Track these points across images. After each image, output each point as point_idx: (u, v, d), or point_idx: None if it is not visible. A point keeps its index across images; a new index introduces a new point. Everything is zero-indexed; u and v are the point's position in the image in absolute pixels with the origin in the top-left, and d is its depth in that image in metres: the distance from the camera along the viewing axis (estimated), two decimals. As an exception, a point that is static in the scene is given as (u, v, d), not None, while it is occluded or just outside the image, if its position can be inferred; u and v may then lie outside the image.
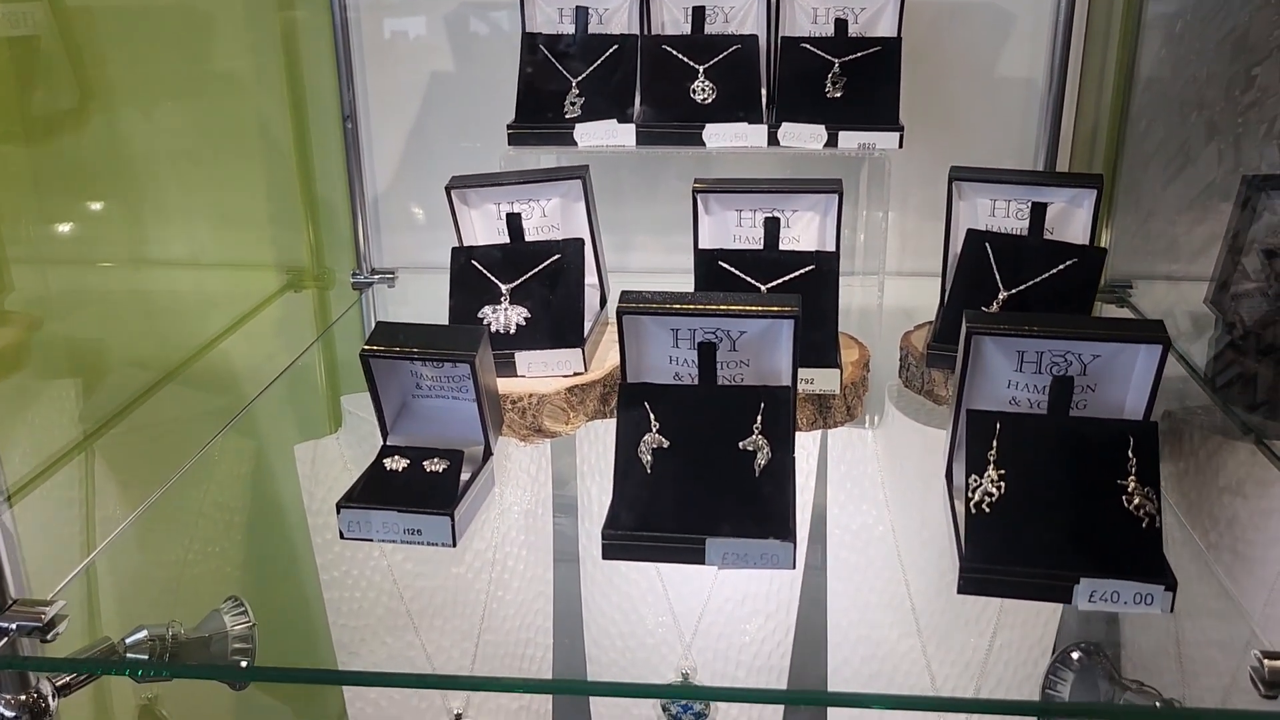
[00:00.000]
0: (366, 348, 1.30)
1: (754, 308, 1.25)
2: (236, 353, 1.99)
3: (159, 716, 1.63)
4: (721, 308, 1.25)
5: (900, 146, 1.78)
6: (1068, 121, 2.08)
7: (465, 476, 1.31)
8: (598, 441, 1.62)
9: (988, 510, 1.15)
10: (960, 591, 1.13)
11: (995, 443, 1.18)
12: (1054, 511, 1.14)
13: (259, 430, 1.83)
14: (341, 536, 1.26)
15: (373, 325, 1.50)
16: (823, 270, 1.47)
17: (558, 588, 1.65)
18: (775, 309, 1.24)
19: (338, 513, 1.25)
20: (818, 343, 1.45)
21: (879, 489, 1.58)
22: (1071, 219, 1.58)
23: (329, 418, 1.92)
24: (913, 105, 1.94)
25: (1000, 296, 1.52)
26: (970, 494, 1.16)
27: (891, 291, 1.96)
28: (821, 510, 1.59)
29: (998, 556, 1.13)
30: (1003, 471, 1.17)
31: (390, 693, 1.56)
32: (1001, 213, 1.61)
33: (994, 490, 1.16)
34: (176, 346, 1.90)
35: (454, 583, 1.59)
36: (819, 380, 1.44)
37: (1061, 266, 1.49)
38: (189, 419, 1.81)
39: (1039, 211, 1.55)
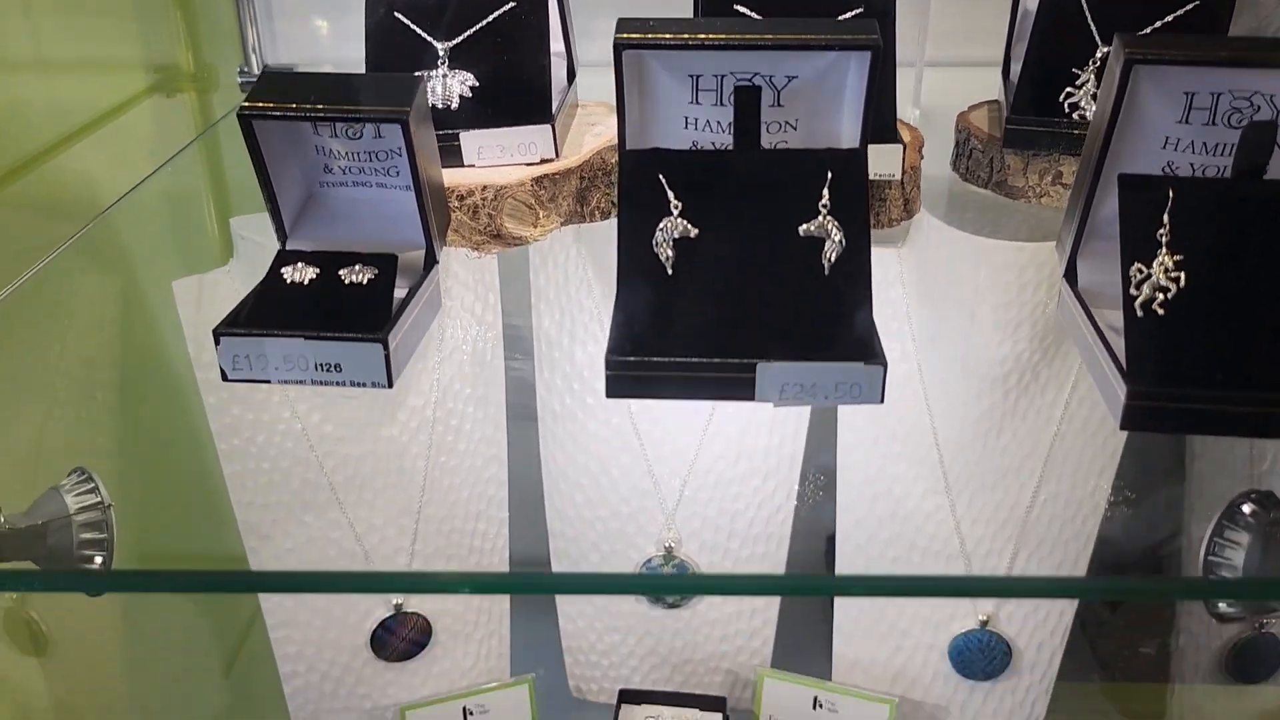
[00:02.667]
0: (247, 105, 0.89)
1: (815, 36, 0.86)
2: (92, 169, 1.55)
3: (30, 623, 1.25)
4: (768, 37, 0.86)
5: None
6: None
7: (400, 292, 0.92)
8: (569, 252, 1.24)
9: (1160, 311, 0.81)
10: (1123, 427, 0.79)
11: (1167, 218, 0.83)
12: (1252, 310, 0.80)
13: (128, 264, 1.42)
14: (225, 378, 0.87)
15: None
16: (876, 8, 1.08)
17: (513, 449, 1.29)
18: (846, 37, 0.86)
19: (216, 344, 0.86)
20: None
21: (903, 320, 1.23)
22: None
23: (218, 246, 1.50)
24: None
25: (1099, 53, 1.15)
26: (1133, 290, 0.82)
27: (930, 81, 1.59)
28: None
29: (1178, 375, 0.79)
30: (1179, 257, 0.82)
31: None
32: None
33: (1168, 283, 0.81)
34: (13, 162, 1.46)
35: (385, 447, 1.22)
36: (877, 160, 1.07)
37: (1185, 9, 1.13)
38: (24, 249, 1.38)
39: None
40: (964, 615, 1.24)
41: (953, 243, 1.21)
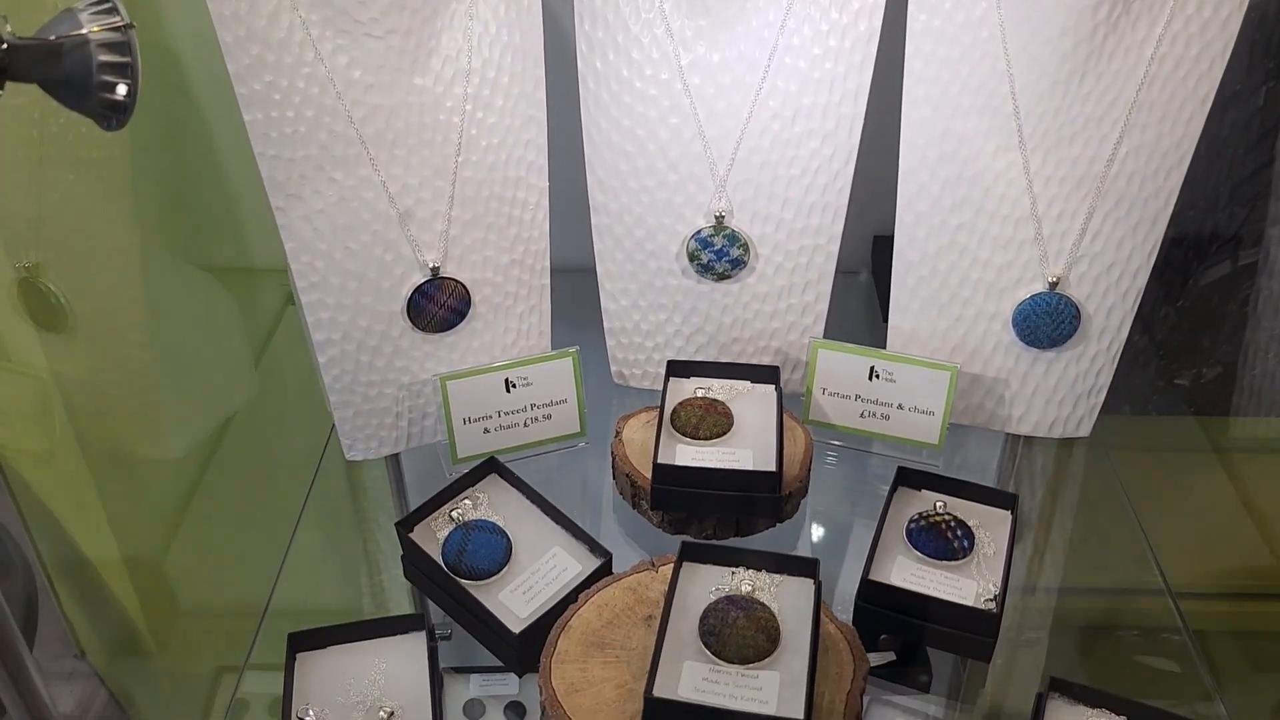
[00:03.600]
0: None
1: None
2: None
3: (48, 295, 1.19)
4: None
5: None
6: None
7: None
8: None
9: None
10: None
11: None
12: None
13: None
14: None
15: None
16: None
17: (553, 111, 1.20)
18: None
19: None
20: None
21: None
22: None
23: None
24: None
25: None
26: None
27: None
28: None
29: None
30: None
31: (345, 242, 1.13)
32: None
33: None
34: None
35: (418, 99, 1.13)
36: None
37: None
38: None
39: None
40: (1031, 280, 1.18)
41: None
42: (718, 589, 0.94)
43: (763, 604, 0.92)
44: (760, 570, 0.95)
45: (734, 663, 0.87)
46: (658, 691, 0.84)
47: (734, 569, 0.96)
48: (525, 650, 0.97)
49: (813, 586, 0.93)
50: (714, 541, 1.10)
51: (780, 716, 0.82)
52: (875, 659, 0.99)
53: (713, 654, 0.88)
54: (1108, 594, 1.19)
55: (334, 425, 1.22)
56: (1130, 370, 1.34)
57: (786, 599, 0.93)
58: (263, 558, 1.16)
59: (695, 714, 0.83)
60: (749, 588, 0.93)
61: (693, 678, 0.86)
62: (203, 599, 1.27)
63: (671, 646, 0.89)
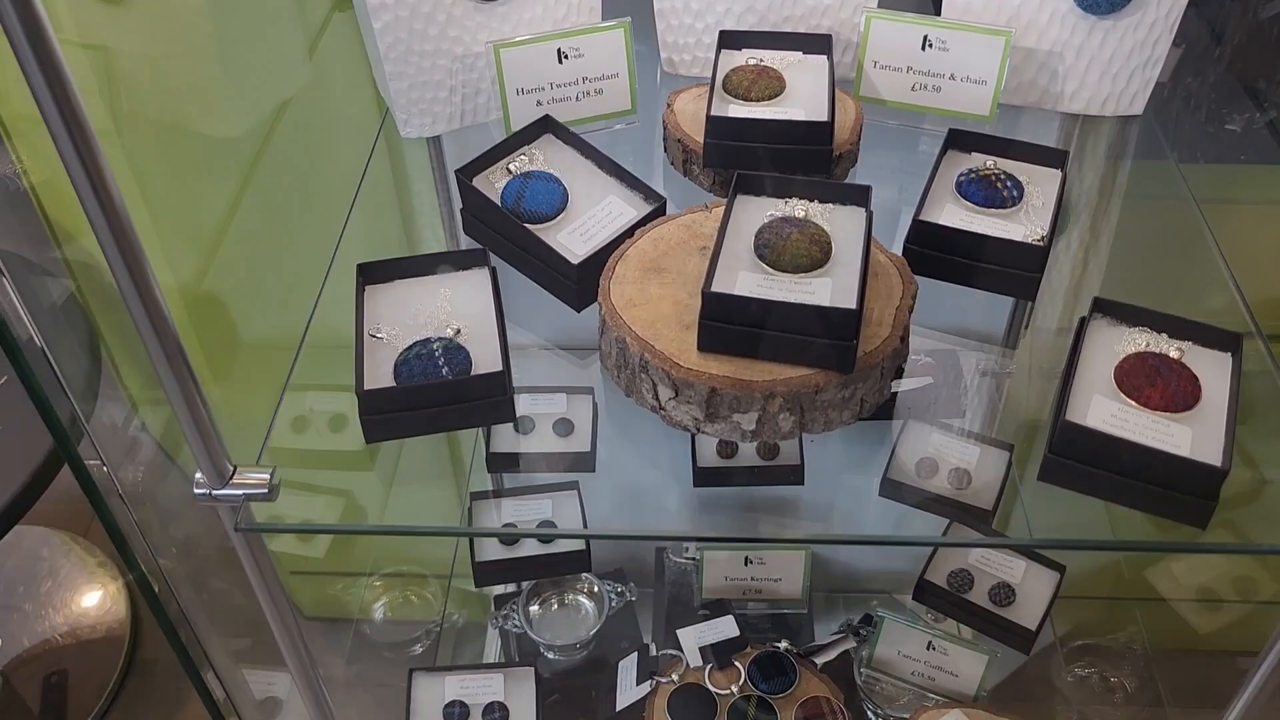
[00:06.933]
0: None
1: None
2: None
3: None
4: None
5: None
6: None
7: None
8: None
9: None
10: None
11: None
12: None
13: None
14: None
15: None
16: None
17: None
18: None
19: None
20: None
21: None
22: None
23: None
24: None
25: None
26: None
27: None
28: None
29: None
30: None
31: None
32: None
33: None
34: None
35: None
36: None
37: None
38: None
39: None
40: (1093, -60, 1.15)
41: None
42: (772, 214, 0.96)
43: (816, 223, 0.94)
44: (813, 200, 0.98)
45: (788, 272, 0.91)
46: (715, 287, 0.87)
47: (787, 199, 0.98)
48: (583, 283, 1.00)
49: (864, 213, 0.96)
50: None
51: (833, 305, 0.86)
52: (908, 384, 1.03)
53: (768, 265, 0.91)
54: (1156, 267, 1.21)
55: (387, 109, 1.24)
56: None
57: (838, 223, 0.95)
58: (317, 238, 1.19)
59: (751, 307, 0.86)
60: (803, 213, 0.96)
61: (748, 283, 0.90)
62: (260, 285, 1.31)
63: (727, 260, 0.92)
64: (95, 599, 2.16)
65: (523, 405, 1.17)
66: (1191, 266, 1.18)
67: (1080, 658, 1.78)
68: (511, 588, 1.81)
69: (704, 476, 1.11)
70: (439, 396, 0.91)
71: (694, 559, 1.53)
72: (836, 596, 1.81)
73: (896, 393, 1.20)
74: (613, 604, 1.60)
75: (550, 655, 1.58)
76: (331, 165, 1.35)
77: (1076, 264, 1.23)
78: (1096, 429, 0.84)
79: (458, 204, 1.12)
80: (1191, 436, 0.84)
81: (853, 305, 0.85)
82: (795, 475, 1.10)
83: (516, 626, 1.59)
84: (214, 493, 0.90)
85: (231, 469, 0.90)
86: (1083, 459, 0.85)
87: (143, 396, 1.25)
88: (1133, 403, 0.87)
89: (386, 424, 0.91)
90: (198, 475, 0.89)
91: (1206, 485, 0.81)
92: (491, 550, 1.43)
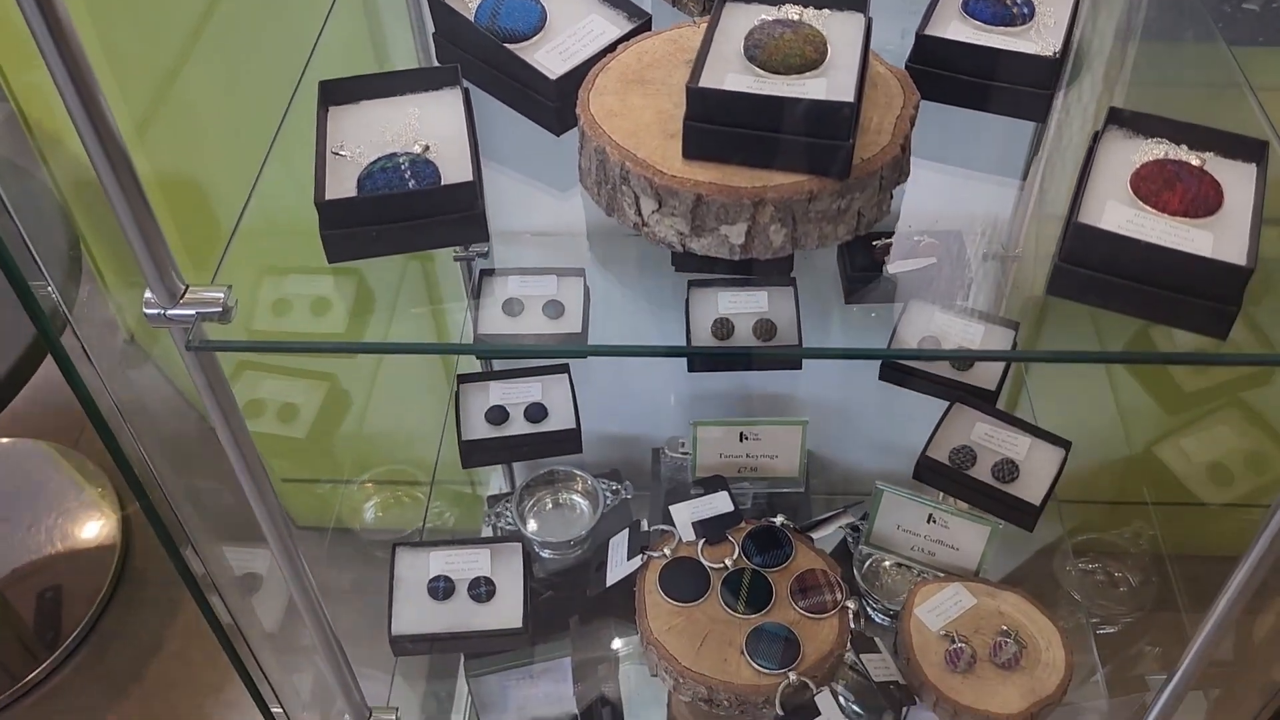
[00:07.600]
0: None
1: None
2: None
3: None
4: None
5: None
6: None
7: None
8: None
9: None
10: None
11: None
12: None
13: None
14: None
15: None
16: None
17: None
18: None
19: None
20: None
21: None
22: None
23: None
24: None
25: None
26: None
27: None
28: None
29: None
30: None
31: None
32: None
33: None
34: None
35: None
36: None
37: None
38: None
39: None
40: None
41: None
42: (764, 19, 0.89)
43: (811, 25, 0.87)
44: (808, 5, 0.91)
45: (779, 73, 0.84)
46: (702, 83, 0.81)
47: (780, 4, 0.91)
48: (563, 104, 0.94)
49: (863, 19, 0.89)
50: None
51: (830, 99, 0.79)
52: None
53: (758, 66, 0.85)
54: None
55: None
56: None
57: (835, 28, 0.89)
58: (283, 61, 1.12)
59: (739, 104, 0.80)
60: (797, 16, 0.89)
61: (737, 84, 0.83)
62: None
63: (714, 62, 0.85)
64: (86, 509, 2.13)
65: (512, 287, 1.13)
66: (1218, 101, 1.11)
67: (1086, 552, 1.75)
68: (505, 487, 1.76)
69: (699, 362, 1.05)
70: (405, 209, 0.85)
71: (689, 453, 1.49)
72: (836, 499, 1.77)
73: (897, 276, 1.15)
74: (608, 502, 1.55)
75: (545, 554, 1.53)
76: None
77: (1088, 114, 1.16)
78: (1111, 230, 0.78)
79: (431, 29, 1.05)
80: (1213, 240, 0.78)
81: (849, 98, 0.78)
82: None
83: (510, 525, 1.55)
84: (166, 312, 0.84)
85: (183, 288, 0.84)
86: (1096, 266, 0.78)
87: (118, 283, 1.20)
88: (1150, 208, 0.81)
89: (350, 240, 0.85)
90: (147, 295, 0.83)
91: (1229, 287, 0.75)
92: (479, 428, 1.38)
